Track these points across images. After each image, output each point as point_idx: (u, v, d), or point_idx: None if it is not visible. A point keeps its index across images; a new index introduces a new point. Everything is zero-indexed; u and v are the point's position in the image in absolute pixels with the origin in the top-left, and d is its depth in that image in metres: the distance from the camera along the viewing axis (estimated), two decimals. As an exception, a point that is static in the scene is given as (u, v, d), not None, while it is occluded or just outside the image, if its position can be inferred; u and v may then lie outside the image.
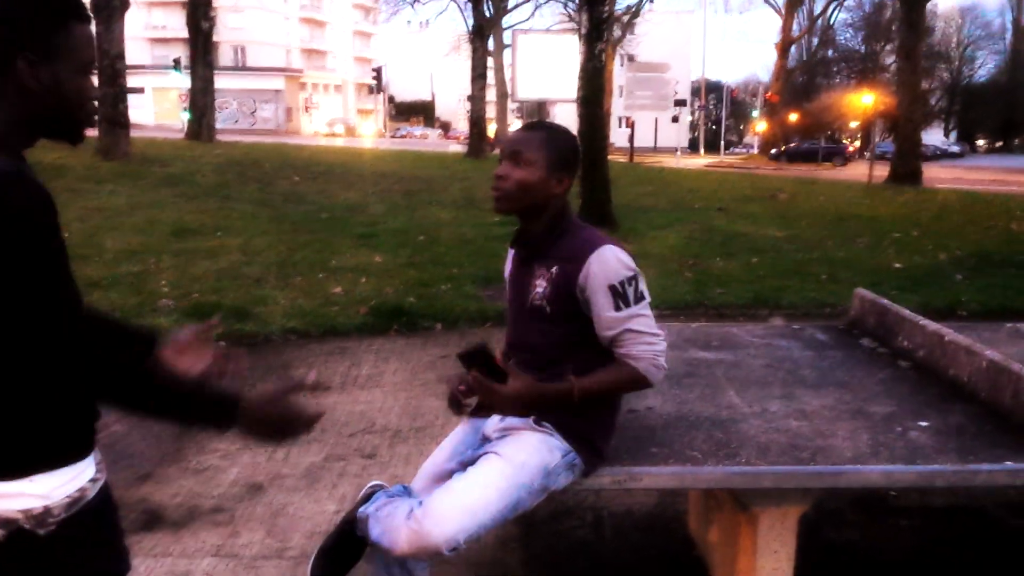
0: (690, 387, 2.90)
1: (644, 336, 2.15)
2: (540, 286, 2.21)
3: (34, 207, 1.31)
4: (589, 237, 2.21)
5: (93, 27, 1.47)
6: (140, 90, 50.89)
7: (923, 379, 3.04)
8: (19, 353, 1.34)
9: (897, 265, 9.40)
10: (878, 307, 3.62)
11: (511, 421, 2.25)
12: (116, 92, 16.10)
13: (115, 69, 15.98)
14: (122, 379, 1.45)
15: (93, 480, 1.47)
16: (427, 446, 4.00)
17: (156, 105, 56.37)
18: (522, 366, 2.22)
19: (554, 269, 2.18)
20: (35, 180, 1.34)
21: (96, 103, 1.53)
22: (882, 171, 25.05)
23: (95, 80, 1.54)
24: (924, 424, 2.60)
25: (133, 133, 17.38)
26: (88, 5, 14.48)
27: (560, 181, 2.22)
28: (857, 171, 32.84)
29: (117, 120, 16.16)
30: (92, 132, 18.38)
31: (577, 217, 2.32)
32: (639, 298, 2.17)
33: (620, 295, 2.14)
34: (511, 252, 2.40)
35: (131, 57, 18.81)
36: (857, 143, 61.29)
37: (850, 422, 2.61)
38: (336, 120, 63.73)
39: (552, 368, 2.19)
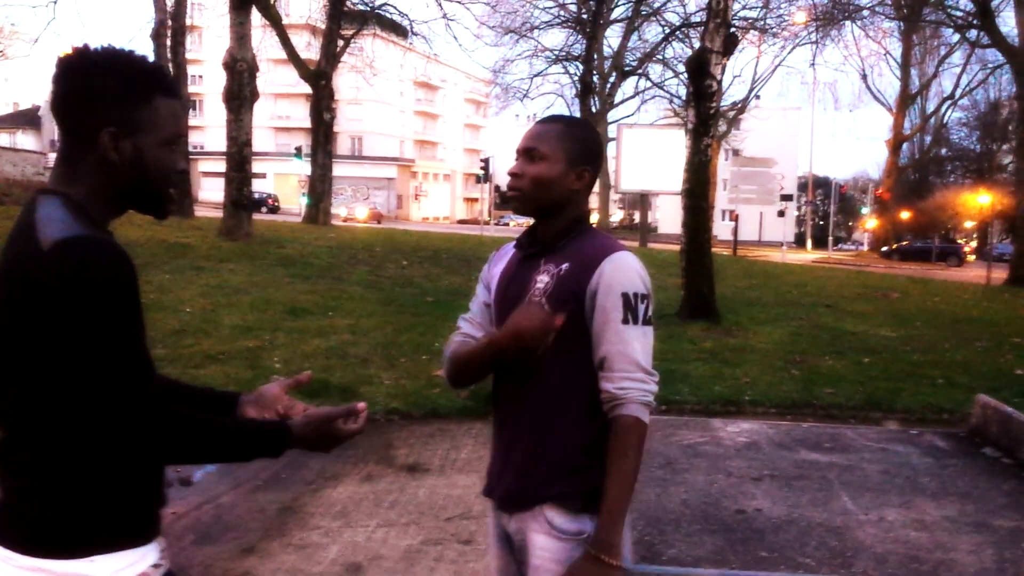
0: (801, 490, 2.81)
1: (637, 373, 1.82)
2: (542, 281, 1.92)
3: (115, 271, 1.34)
4: (606, 242, 1.95)
5: (178, 103, 1.53)
6: (262, 176, 53.74)
7: (1055, 494, 2.87)
8: (83, 422, 1.35)
9: (1019, 371, 8.91)
10: (1001, 415, 3.45)
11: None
12: (242, 177, 17.04)
13: (243, 155, 16.93)
14: (186, 430, 1.43)
15: (155, 566, 1.45)
16: (525, 535, 3.96)
17: (276, 190, 59.26)
18: (509, 395, 1.97)
19: (564, 266, 1.91)
20: (118, 246, 1.37)
21: (181, 177, 1.57)
22: (1000, 273, 24.02)
23: (181, 155, 1.57)
24: (1057, 543, 2.44)
25: (254, 216, 18.28)
26: (223, 96, 15.29)
27: (580, 176, 1.97)
28: (973, 272, 31.53)
29: (241, 203, 17.04)
30: (218, 214, 19.39)
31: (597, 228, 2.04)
32: (647, 321, 1.86)
33: (631, 307, 1.84)
34: (501, 255, 2.13)
35: (256, 144, 19.95)
36: (973, 243, 59.01)
37: (973, 535, 2.47)
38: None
39: (549, 402, 1.89)
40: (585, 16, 32.17)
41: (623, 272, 1.85)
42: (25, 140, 60.43)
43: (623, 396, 1.80)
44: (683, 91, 29.76)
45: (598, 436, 1.84)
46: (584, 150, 1.99)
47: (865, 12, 30.20)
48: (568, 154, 1.96)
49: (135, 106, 1.44)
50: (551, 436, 1.88)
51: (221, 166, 21.03)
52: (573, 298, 1.86)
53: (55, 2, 26.22)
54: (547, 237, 1.98)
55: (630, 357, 1.82)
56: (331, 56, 26.49)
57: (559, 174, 1.94)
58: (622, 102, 39.80)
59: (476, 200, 73.98)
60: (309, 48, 33.01)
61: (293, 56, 26.22)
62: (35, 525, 1.38)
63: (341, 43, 27.17)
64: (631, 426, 1.80)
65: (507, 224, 60.45)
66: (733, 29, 13.29)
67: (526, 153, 1.97)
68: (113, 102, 1.42)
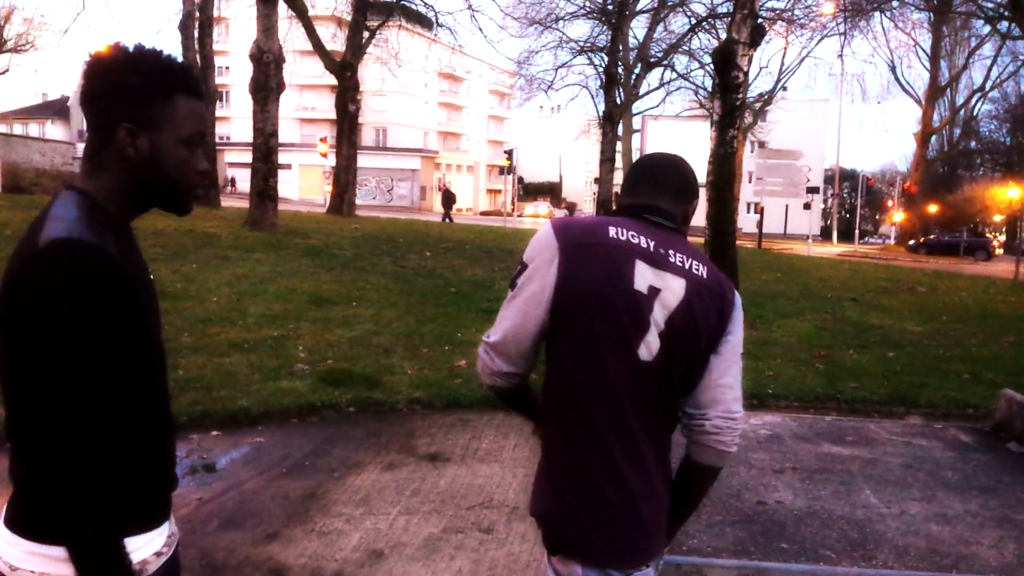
0: (823, 482, 2.81)
1: None
2: None
3: (95, 288, 1.34)
4: None
5: (202, 103, 1.56)
6: (287, 166, 54.10)
7: (1080, 490, 2.84)
8: (94, 414, 1.35)
9: (1048, 367, 8.81)
10: (1028, 410, 3.42)
11: None
12: (268, 168, 17.13)
13: (269, 147, 17.02)
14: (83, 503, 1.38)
15: (158, 554, 1.47)
16: (546, 525, 3.98)
17: (301, 181, 59.54)
18: None
19: None
20: (113, 259, 1.37)
21: (203, 176, 1.57)
22: (1030, 267, 23.70)
23: (204, 153, 1.59)
24: (1081, 539, 2.42)
25: (279, 206, 18.41)
26: (249, 87, 15.26)
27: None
28: (1001, 267, 31.13)
29: (267, 194, 17.13)
30: (244, 204, 19.48)
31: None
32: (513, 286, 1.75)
33: None
34: None
35: (282, 135, 20.03)
36: (1002, 237, 58.31)
37: (995, 530, 2.46)
38: None
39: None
40: (610, 7, 31.97)
41: None
42: (54, 131, 61.18)
43: None
44: (709, 82, 29.58)
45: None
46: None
47: (895, 3, 29.78)
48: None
49: (154, 103, 1.46)
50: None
51: (247, 157, 21.15)
52: None
53: (84, -7, 26.39)
54: None
55: None
56: (356, 48, 26.55)
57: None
58: (647, 93, 39.59)
59: (499, 191, 74.02)
60: (335, 39, 33.15)
61: (319, 48, 26.29)
62: (35, 512, 1.37)
63: (366, 35, 27.18)
64: None
65: (532, 215, 60.38)
66: (760, 20, 13.18)
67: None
68: (133, 98, 1.44)
